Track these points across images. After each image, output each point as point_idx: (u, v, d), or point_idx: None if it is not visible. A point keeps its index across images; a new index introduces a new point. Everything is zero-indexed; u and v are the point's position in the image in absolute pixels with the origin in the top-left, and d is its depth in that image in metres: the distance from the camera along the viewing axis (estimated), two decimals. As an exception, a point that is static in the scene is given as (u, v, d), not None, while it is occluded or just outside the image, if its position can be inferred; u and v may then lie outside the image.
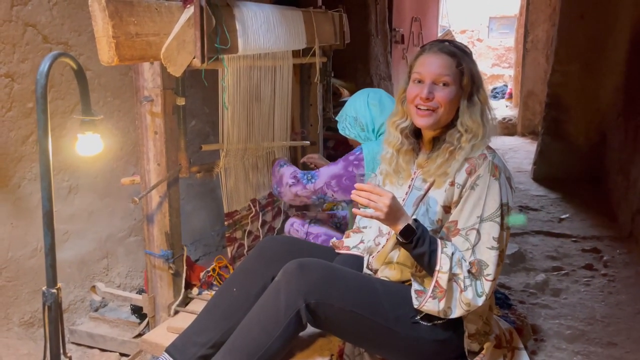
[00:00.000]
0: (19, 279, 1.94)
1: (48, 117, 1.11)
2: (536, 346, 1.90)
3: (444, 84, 1.46)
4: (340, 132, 2.14)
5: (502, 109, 7.28)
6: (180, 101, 1.69)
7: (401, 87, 1.60)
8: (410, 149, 1.61)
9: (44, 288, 1.15)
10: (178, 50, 1.52)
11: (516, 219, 2.94)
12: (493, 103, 7.70)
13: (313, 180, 1.99)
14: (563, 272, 2.56)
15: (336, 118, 2.17)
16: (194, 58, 1.57)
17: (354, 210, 1.44)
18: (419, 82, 1.49)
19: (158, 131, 1.70)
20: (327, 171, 2.00)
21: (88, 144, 1.30)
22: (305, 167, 2.42)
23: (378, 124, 2.03)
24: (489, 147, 1.51)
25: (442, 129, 1.52)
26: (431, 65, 1.47)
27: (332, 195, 1.99)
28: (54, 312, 1.15)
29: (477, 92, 1.50)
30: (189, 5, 1.54)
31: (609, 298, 2.28)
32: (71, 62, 1.20)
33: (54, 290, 1.15)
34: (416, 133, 1.61)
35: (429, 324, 1.49)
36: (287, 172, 2.07)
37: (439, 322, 1.49)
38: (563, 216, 3.34)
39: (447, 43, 1.51)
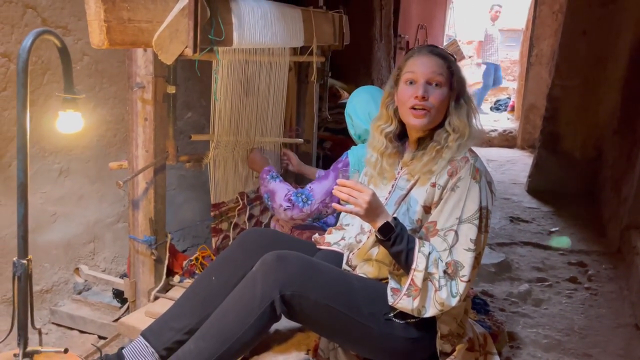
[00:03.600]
0: (5, 257, 1.96)
1: (28, 91, 1.13)
2: (511, 353, 1.92)
3: (437, 85, 1.49)
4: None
5: (504, 121, 7.29)
6: (171, 89, 1.71)
7: (386, 92, 1.62)
8: (395, 152, 1.63)
9: (14, 259, 1.17)
10: (170, 39, 1.54)
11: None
12: (495, 115, 7.79)
13: (309, 202, 1.93)
14: (547, 283, 2.57)
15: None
16: (186, 47, 1.59)
17: (334, 204, 1.46)
18: (411, 83, 1.51)
19: (148, 118, 1.73)
20: (320, 188, 1.95)
21: (68, 122, 1.32)
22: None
23: (360, 131, 2.06)
24: (471, 151, 1.53)
25: (429, 130, 1.55)
26: (424, 66, 1.50)
27: (326, 212, 1.97)
28: (24, 283, 1.17)
29: (463, 95, 1.54)
30: (183, -5, 1.56)
31: (589, 311, 2.29)
32: (55, 39, 1.22)
33: (24, 262, 1.17)
34: (400, 136, 1.63)
35: (402, 322, 1.50)
36: (280, 192, 1.97)
37: (412, 320, 1.50)
38: (553, 229, 3.35)
39: (433, 47, 1.55)
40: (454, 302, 1.42)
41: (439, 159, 1.49)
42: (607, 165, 3.66)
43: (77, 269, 2.06)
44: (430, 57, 1.50)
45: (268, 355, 1.67)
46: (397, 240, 1.41)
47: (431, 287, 1.42)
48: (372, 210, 1.40)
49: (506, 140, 6.53)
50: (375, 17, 4.71)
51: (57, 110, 1.32)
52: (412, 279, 1.42)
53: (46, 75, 2.01)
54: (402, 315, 1.49)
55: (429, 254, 1.42)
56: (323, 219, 2.35)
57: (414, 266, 1.41)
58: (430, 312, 1.44)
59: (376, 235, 1.44)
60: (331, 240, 1.79)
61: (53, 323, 2.05)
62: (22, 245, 1.17)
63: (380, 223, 1.41)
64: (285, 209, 1.93)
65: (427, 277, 1.41)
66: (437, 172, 1.49)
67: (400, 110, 1.55)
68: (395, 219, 1.44)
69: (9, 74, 1.88)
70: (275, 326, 1.66)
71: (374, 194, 1.40)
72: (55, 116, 1.36)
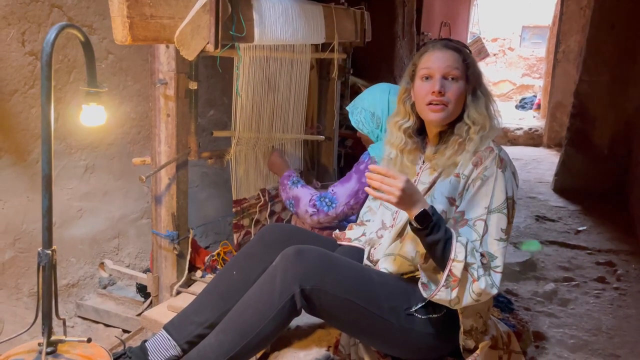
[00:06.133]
0: (32, 250, 2.00)
1: (52, 83, 1.16)
2: (537, 353, 1.88)
3: (453, 79, 1.47)
4: (354, 125, 2.11)
5: (529, 119, 7.16)
6: (193, 85, 1.73)
7: (402, 87, 1.60)
8: (415, 147, 1.60)
9: (39, 249, 1.20)
10: (192, 35, 1.56)
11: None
12: (521, 113, 7.64)
13: (333, 206, 1.95)
14: (574, 283, 2.51)
15: (347, 107, 2.14)
16: (207, 43, 1.61)
17: (365, 188, 1.41)
18: (427, 78, 1.49)
19: (170, 114, 1.75)
20: (343, 191, 1.96)
21: (92, 115, 1.35)
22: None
23: None
24: (494, 142, 1.50)
25: (448, 124, 1.53)
26: (439, 60, 1.48)
27: (352, 212, 1.97)
28: (48, 273, 1.19)
29: (480, 87, 1.52)
30: (205, -8, 1.57)
31: (618, 311, 2.23)
32: (78, 33, 1.24)
33: (49, 252, 1.19)
34: (419, 131, 1.61)
35: (423, 317, 1.48)
36: (304, 198, 2.00)
37: (434, 315, 1.48)
38: (580, 228, 3.28)
39: (447, 40, 1.53)
40: (494, 291, 1.37)
41: (463, 152, 1.47)
42: (636, 163, 3.56)
43: (102, 263, 2.10)
44: (445, 52, 1.48)
45: (289, 351, 1.67)
46: (434, 229, 1.34)
47: (470, 278, 1.36)
48: (407, 197, 1.32)
49: (531, 138, 6.41)
50: (398, 14, 4.68)
51: (81, 104, 1.34)
52: (450, 269, 1.35)
53: (72, 73, 2.05)
54: (424, 310, 1.47)
55: (467, 243, 1.37)
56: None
57: (452, 256, 1.34)
58: (465, 302, 1.38)
59: (411, 224, 1.37)
60: (352, 236, 1.78)
61: (79, 316, 2.09)
62: (46, 235, 1.19)
63: (416, 211, 1.33)
64: (311, 215, 1.97)
65: (467, 266, 1.35)
66: (461, 162, 1.46)
67: (418, 106, 1.54)
68: (432, 207, 1.37)
69: (36, 72, 1.92)
70: (296, 322, 1.66)
71: (408, 181, 1.32)
72: (80, 112, 1.39)
